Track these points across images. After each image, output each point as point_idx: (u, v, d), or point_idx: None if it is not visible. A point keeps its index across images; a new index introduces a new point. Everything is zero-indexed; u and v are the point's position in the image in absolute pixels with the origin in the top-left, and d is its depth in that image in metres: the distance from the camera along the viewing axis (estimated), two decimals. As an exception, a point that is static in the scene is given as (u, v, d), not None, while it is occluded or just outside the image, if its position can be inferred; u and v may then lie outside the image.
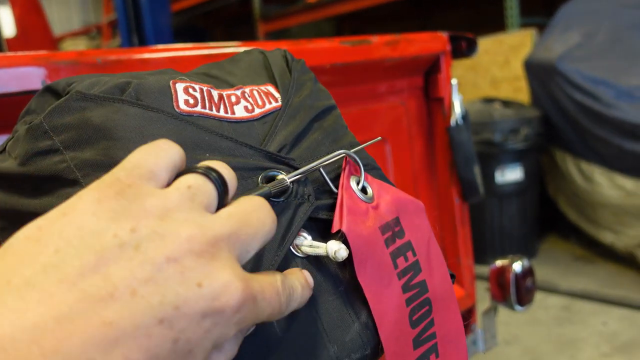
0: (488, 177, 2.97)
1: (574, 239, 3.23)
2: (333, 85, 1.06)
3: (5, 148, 0.43)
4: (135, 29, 5.25)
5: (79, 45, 7.80)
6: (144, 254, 0.26)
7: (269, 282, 0.32)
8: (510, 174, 2.98)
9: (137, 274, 0.25)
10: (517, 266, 1.22)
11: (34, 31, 3.68)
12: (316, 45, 0.96)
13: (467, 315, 1.27)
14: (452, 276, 0.47)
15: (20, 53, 0.72)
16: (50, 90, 0.43)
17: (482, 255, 2.96)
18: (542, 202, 3.21)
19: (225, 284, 0.27)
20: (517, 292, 1.22)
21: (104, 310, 0.24)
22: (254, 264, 0.37)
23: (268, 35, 5.81)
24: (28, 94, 0.70)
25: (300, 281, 0.36)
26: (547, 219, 3.33)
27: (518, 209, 3.05)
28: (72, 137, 0.38)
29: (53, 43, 3.81)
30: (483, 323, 1.30)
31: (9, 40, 3.82)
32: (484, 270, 1.92)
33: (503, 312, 2.45)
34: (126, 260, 0.25)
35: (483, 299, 1.32)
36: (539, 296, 2.69)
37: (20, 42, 3.58)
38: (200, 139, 0.40)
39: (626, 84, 2.70)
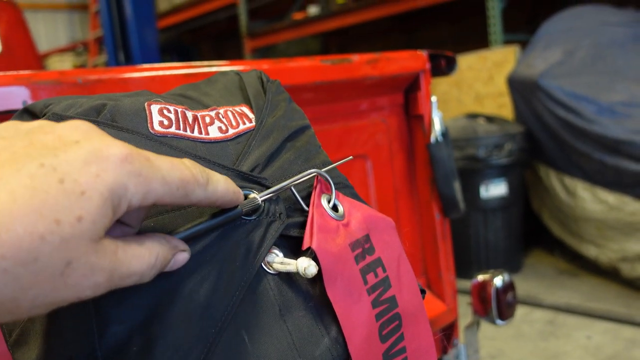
0: (472, 192, 3.00)
1: (558, 253, 3.25)
2: (315, 103, 1.08)
3: None
4: (122, 45, 5.27)
5: (65, 61, 7.80)
6: (37, 134, 0.31)
7: (173, 160, 0.35)
8: (495, 189, 3.01)
9: (27, 140, 0.30)
10: (498, 281, 1.23)
11: (18, 48, 3.67)
12: (298, 64, 0.98)
13: (449, 330, 1.28)
14: (422, 291, 0.48)
15: (2, 73, 0.72)
16: (28, 112, 0.44)
17: (467, 269, 2.98)
18: (527, 216, 3.24)
19: (108, 144, 0.31)
20: (498, 307, 1.24)
21: None
22: (227, 278, 0.38)
23: (255, 51, 5.85)
24: (9, 113, 0.71)
25: (224, 185, 0.38)
26: (531, 233, 3.36)
27: (503, 224, 3.08)
28: None
29: (38, 60, 3.80)
30: (466, 338, 1.31)
31: (-6, 57, 3.81)
32: (469, 284, 1.94)
33: (488, 326, 2.47)
34: (25, 136, 0.31)
35: (468, 314, 1.33)
36: (523, 310, 2.70)
37: (4, 59, 3.57)
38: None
39: (607, 100, 2.75)
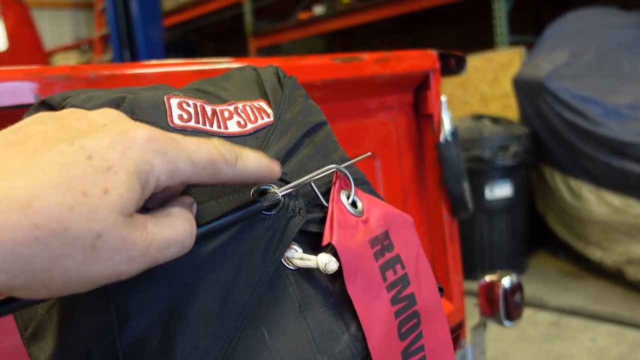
0: (477, 193, 2.99)
1: (563, 255, 3.24)
2: (324, 101, 1.07)
3: None
4: (127, 43, 5.27)
5: (70, 59, 7.81)
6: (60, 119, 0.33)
7: (200, 140, 0.35)
8: (500, 190, 3.01)
9: (59, 124, 0.32)
10: (506, 281, 1.22)
11: (25, 45, 3.68)
12: (308, 62, 0.97)
13: (457, 331, 1.27)
14: (441, 289, 0.48)
15: (13, 67, 0.72)
16: (46, 104, 0.44)
17: (471, 271, 2.98)
18: (531, 218, 3.23)
19: (135, 126, 0.33)
20: (505, 307, 1.23)
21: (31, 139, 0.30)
22: (247, 274, 0.38)
23: (259, 51, 5.85)
24: (20, 108, 0.71)
25: (255, 160, 0.38)
26: (536, 235, 3.35)
27: (507, 225, 3.07)
28: None
29: (44, 57, 3.81)
30: (472, 338, 1.31)
31: (0, 54, 3.82)
32: (474, 286, 1.93)
33: (493, 328, 2.46)
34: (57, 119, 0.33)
35: (473, 315, 1.33)
36: (528, 312, 2.69)
37: (11, 56, 3.58)
38: None
39: (613, 103, 2.74)
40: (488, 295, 1.25)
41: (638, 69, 2.93)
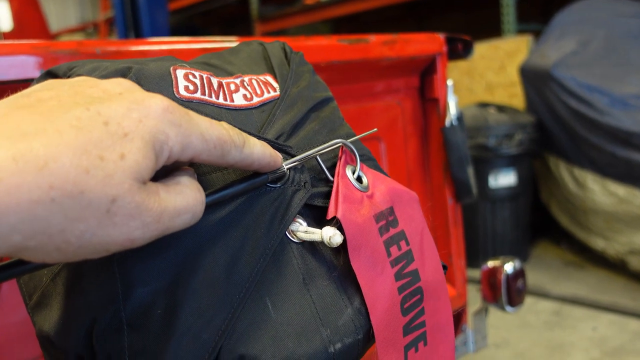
0: (481, 181, 2.98)
1: (566, 245, 3.24)
2: (330, 83, 1.07)
3: None
4: (133, 26, 5.25)
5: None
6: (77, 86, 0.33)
7: (212, 120, 0.36)
8: (504, 179, 3.00)
9: (72, 90, 0.32)
10: (509, 267, 1.22)
11: (30, 26, 3.67)
12: (314, 43, 0.97)
13: (458, 316, 1.28)
14: (445, 267, 0.48)
15: (19, 41, 0.72)
16: (52, 74, 0.44)
17: (474, 259, 2.98)
18: (535, 207, 3.23)
19: (150, 95, 0.33)
20: (508, 293, 1.23)
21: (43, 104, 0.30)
22: (251, 245, 0.38)
23: (265, 36, 5.82)
24: (27, 82, 0.71)
25: (261, 149, 0.39)
26: (539, 224, 3.35)
27: (511, 214, 3.07)
28: None
29: (49, 39, 3.80)
30: (474, 324, 1.31)
31: (5, 35, 3.81)
32: (476, 274, 1.93)
33: (494, 315, 2.46)
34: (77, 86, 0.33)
35: (475, 302, 1.33)
36: (529, 300, 2.70)
37: (16, 36, 3.57)
38: None
39: (620, 92, 2.73)
40: (490, 281, 1.25)
41: (646, 59, 2.91)
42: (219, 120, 0.42)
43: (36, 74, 0.71)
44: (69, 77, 0.42)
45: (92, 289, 0.36)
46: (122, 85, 0.34)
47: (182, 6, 6.76)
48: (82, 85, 0.33)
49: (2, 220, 0.26)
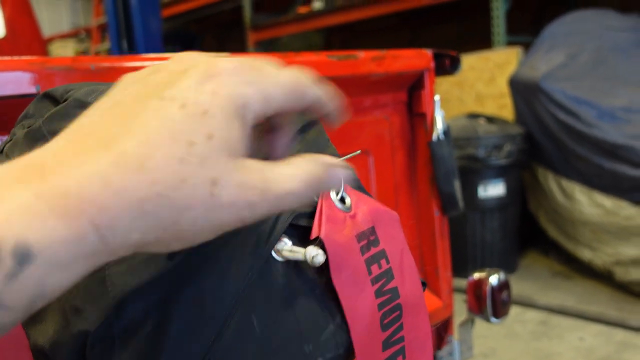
0: (471, 191, 3.01)
1: (553, 255, 3.28)
2: (319, 98, 1.09)
3: (3, 150, 0.45)
4: (125, 33, 5.26)
5: (67, 47, 7.79)
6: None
7: (280, 67, 0.35)
8: (493, 189, 3.03)
9: (141, 84, 0.33)
10: (494, 279, 1.25)
11: (23, 32, 3.67)
12: (304, 59, 0.99)
13: (445, 327, 1.30)
14: (423, 284, 0.50)
15: (15, 57, 0.74)
16: (49, 97, 0.46)
17: (463, 269, 3.00)
18: (523, 217, 3.26)
19: (215, 62, 0.32)
20: (493, 305, 1.25)
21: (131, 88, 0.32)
22: (238, 264, 0.40)
23: (258, 44, 5.85)
24: (21, 97, 0.72)
25: (326, 88, 0.38)
26: (527, 235, 3.38)
27: (500, 224, 3.10)
28: None
29: (42, 44, 3.80)
30: (460, 334, 1.33)
31: (-2, 41, 3.82)
32: (465, 283, 1.94)
33: (481, 325, 2.49)
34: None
35: (463, 312, 1.35)
36: (517, 310, 2.73)
37: (9, 43, 3.57)
38: None
39: (608, 105, 2.77)
40: (476, 293, 1.28)
41: (633, 72, 2.95)
42: None
43: (31, 89, 0.73)
44: (65, 100, 0.44)
45: (85, 305, 0.37)
46: (184, 60, 0.34)
47: (176, 13, 6.78)
48: (148, 75, 0.33)
49: (119, 222, 0.27)
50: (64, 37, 8.06)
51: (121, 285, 0.37)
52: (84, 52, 7.55)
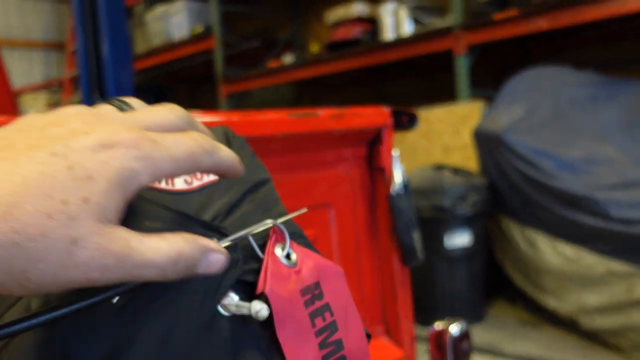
0: (437, 241, 3.06)
1: (520, 304, 3.31)
2: (282, 153, 1.13)
3: None
4: (97, 85, 5.29)
5: (39, 99, 7.79)
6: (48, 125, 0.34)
7: (179, 136, 0.37)
8: (459, 239, 3.08)
9: (40, 132, 0.34)
10: (454, 329, 1.27)
11: (-7, 85, 3.68)
12: (266, 117, 1.03)
13: (408, 377, 1.31)
14: (368, 336, 0.53)
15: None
16: None
17: (431, 318, 2.99)
18: (490, 266, 3.31)
19: (116, 131, 0.34)
20: (454, 354, 1.27)
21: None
22: (186, 319, 0.42)
23: (230, 96, 5.93)
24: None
25: (228, 152, 0.40)
26: (494, 283, 3.42)
27: (467, 273, 3.14)
28: None
29: (11, 97, 3.79)
30: (423, 384, 1.34)
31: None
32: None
33: (450, 375, 2.49)
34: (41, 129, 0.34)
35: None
36: (486, 359, 2.74)
37: (-22, 94, 3.57)
38: (143, 208, 0.45)
39: (566, 156, 2.87)
40: (438, 342, 1.30)
41: (590, 125, 3.08)
42: (161, 203, 0.47)
43: None
44: None
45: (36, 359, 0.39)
46: (88, 122, 0.35)
47: (148, 66, 6.86)
48: (50, 126, 0.34)
49: None
50: (35, 89, 8.07)
51: (71, 340, 0.39)
52: (56, 104, 7.55)
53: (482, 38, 3.78)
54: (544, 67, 3.48)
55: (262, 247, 0.49)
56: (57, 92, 7.69)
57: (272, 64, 5.58)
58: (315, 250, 0.53)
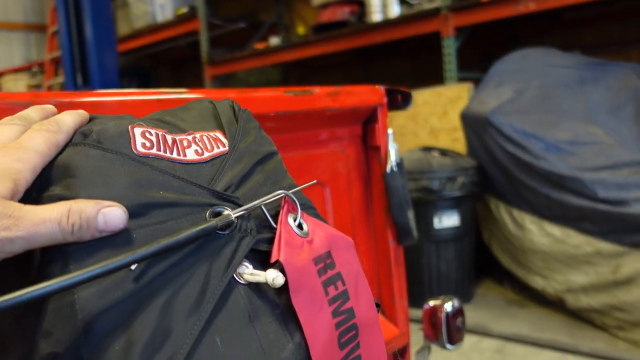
0: (426, 223, 3.08)
1: (507, 284, 3.35)
2: (277, 132, 1.13)
3: None
4: (80, 67, 5.23)
5: (20, 81, 7.67)
6: None
7: (29, 134, 0.46)
8: (448, 220, 3.10)
9: None
10: (448, 306, 1.28)
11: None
12: (262, 94, 1.03)
13: (402, 355, 1.32)
14: (378, 305, 0.53)
15: (-24, 92, 0.75)
16: None
17: (420, 298, 3.03)
18: (478, 247, 3.34)
19: None
20: (448, 331, 1.29)
21: None
22: (202, 287, 0.42)
23: (215, 79, 5.89)
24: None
25: (67, 116, 0.49)
26: (482, 264, 3.46)
27: (455, 254, 3.17)
28: (40, 177, 0.43)
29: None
30: (416, 362, 1.36)
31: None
32: (422, 313, 1.96)
33: (439, 355, 2.52)
34: None
35: (420, 342, 1.38)
36: (474, 339, 2.77)
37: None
38: (155, 178, 0.45)
39: (553, 138, 2.89)
40: (431, 320, 1.31)
41: (576, 107, 3.10)
42: (173, 174, 0.47)
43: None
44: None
45: (54, 327, 0.39)
46: None
47: (132, 48, 6.78)
48: None
49: None
50: (16, 70, 7.95)
51: (89, 308, 0.39)
52: (37, 87, 7.45)
53: (470, 20, 3.78)
54: (531, 48, 3.49)
55: (274, 217, 0.49)
56: (37, 75, 7.58)
57: (258, 45, 5.54)
58: (324, 221, 0.54)
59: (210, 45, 5.83)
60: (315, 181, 0.53)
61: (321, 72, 6.11)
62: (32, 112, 0.51)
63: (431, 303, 1.32)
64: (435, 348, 1.36)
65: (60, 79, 6.33)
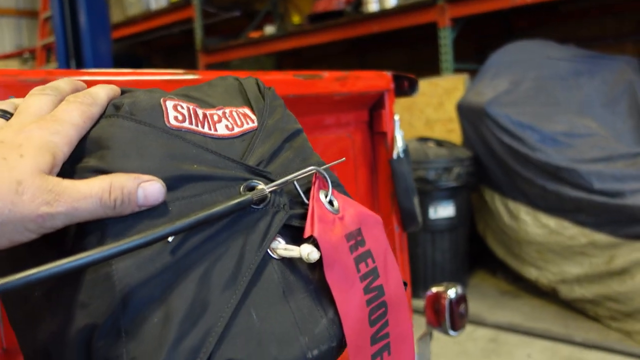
0: (422, 213, 3.09)
1: (501, 274, 3.37)
2: (284, 116, 1.12)
3: None
4: (74, 53, 5.17)
5: (11, 67, 7.59)
6: None
7: (64, 106, 0.45)
8: (443, 211, 3.11)
9: None
10: (452, 292, 1.29)
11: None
12: (271, 77, 1.02)
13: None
14: (405, 284, 0.53)
15: (-12, 69, 0.74)
16: None
17: (415, 289, 3.06)
18: (472, 238, 3.36)
19: (22, 122, 0.42)
20: (451, 318, 1.29)
21: None
22: (237, 260, 0.42)
23: (208, 67, 5.86)
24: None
25: (98, 89, 0.49)
26: (476, 255, 3.48)
27: (450, 245, 3.18)
28: (74, 149, 0.43)
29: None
30: (418, 348, 1.36)
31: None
32: (416, 303, 1.96)
33: (434, 344, 2.53)
34: None
35: (417, 331, 1.38)
36: (468, 328, 2.79)
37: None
38: (189, 151, 0.45)
39: (549, 129, 2.90)
40: (434, 306, 1.31)
41: (572, 99, 3.11)
42: (205, 147, 0.46)
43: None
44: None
45: (91, 301, 0.38)
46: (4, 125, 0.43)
47: (125, 35, 6.72)
48: None
49: None
50: (7, 57, 7.86)
51: (127, 280, 0.38)
52: (29, 72, 7.37)
53: (467, 11, 3.77)
54: (528, 40, 3.50)
55: (306, 194, 0.49)
56: (29, 61, 7.51)
57: (253, 34, 5.51)
58: (352, 199, 0.53)
59: (204, 33, 5.79)
60: (344, 158, 0.53)
61: (316, 62, 6.09)
62: (63, 83, 0.49)
63: (434, 289, 1.32)
64: (435, 334, 1.37)
65: (53, 65, 6.27)
